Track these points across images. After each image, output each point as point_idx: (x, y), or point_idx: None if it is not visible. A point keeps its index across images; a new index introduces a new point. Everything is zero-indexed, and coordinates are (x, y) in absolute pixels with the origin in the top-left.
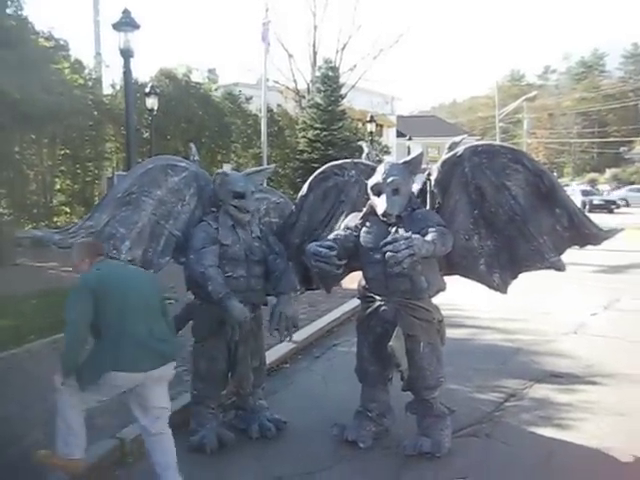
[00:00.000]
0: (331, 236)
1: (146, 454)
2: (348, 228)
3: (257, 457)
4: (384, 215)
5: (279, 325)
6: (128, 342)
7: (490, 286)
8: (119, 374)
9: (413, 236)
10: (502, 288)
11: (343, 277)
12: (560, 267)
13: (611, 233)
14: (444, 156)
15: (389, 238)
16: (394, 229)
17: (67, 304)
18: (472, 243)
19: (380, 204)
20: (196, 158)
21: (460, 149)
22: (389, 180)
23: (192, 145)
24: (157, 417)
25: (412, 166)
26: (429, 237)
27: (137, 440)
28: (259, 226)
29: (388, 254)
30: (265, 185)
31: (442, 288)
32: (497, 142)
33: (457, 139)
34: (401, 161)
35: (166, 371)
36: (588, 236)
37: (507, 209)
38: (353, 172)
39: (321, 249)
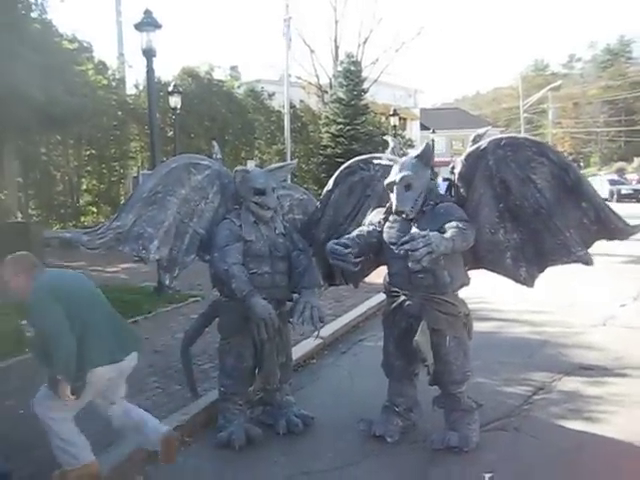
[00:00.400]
0: (354, 232)
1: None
2: (372, 224)
3: (285, 452)
4: (397, 212)
5: (304, 314)
6: (98, 337)
7: (517, 280)
8: (98, 369)
9: (430, 234)
10: (529, 282)
11: (370, 272)
12: (587, 261)
13: (638, 228)
14: (468, 149)
15: (406, 237)
16: (415, 225)
17: (40, 320)
18: (498, 237)
19: (393, 202)
20: (219, 156)
21: (484, 142)
22: (399, 177)
23: (215, 143)
24: (117, 403)
25: (424, 158)
26: (448, 234)
27: None
28: (283, 222)
29: (409, 252)
30: (289, 181)
31: (466, 282)
32: (521, 134)
33: (481, 131)
34: (413, 156)
35: (132, 361)
36: (614, 231)
37: (532, 202)
38: (379, 167)
39: (337, 247)
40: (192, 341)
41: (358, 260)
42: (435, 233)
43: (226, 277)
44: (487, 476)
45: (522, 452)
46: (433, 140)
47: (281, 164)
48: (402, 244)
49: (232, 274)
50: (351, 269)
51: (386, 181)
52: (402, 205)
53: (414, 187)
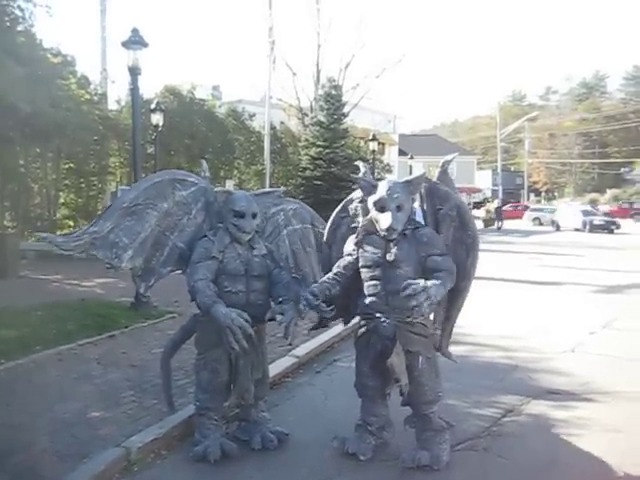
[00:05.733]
0: (334, 269)
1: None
2: (348, 253)
3: (259, 468)
4: (388, 230)
5: (289, 329)
6: None
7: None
8: None
9: (428, 284)
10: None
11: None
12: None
13: (448, 355)
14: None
15: (408, 290)
16: (395, 247)
17: None
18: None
19: (385, 219)
20: (207, 174)
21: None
22: (395, 196)
23: (204, 162)
24: None
25: (412, 186)
26: (440, 282)
27: (143, 449)
28: (264, 244)
29: (411, 303)
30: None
31: (442, 302)
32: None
33: (448, 157)
34: (402, 180)
35: None
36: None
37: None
38: (354, 204)
39: (309, 297)
40: (172, 354)
41: (329, 308)
42: (432, 283)
43: (192, 293)
44: None
45: (490, 472)
46: (425, 172)
47: (268, 190)
48: (405, 294)
49: (196, 289)
50: (325, 316)
51: (374, 197)
52: (396, 224)
53: (404, 209)
